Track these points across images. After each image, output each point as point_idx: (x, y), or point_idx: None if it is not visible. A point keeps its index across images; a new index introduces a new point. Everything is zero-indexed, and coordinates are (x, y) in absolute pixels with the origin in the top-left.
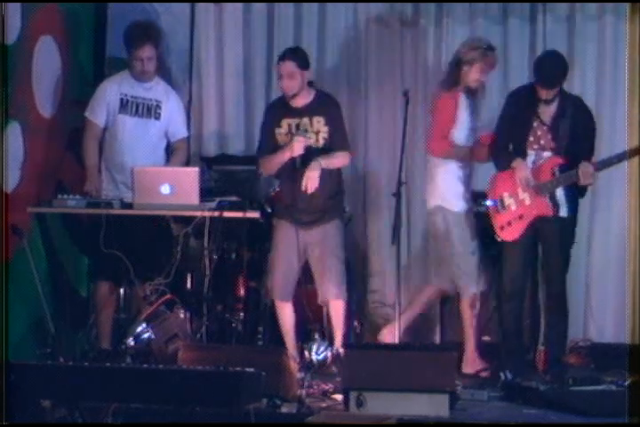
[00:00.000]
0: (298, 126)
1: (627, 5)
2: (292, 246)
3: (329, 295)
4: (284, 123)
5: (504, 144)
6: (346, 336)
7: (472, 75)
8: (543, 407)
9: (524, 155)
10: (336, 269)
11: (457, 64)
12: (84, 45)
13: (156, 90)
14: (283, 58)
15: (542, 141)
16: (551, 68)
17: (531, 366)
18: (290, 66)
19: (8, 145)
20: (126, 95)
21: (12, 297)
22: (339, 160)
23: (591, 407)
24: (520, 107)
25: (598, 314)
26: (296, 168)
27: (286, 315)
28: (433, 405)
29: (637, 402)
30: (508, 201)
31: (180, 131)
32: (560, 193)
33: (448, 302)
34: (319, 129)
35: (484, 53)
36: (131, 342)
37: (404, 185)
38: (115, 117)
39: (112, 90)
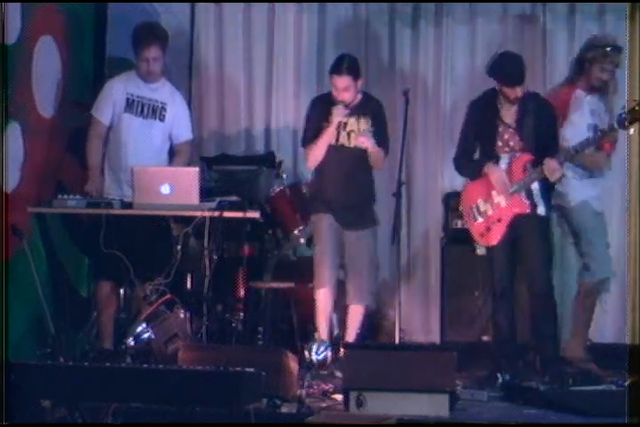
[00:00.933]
0: (345, 125)
1: (627, 5)
2: (336, 239)
3: (352, 300)
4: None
5: (468, 154)
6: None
7: (593, 73)
8: (543, 407)
9: (496, 159)
10: (367, 274)
11: (579, 62)
12: (85, 45)
13: (162, 91)
14: (339, 72)
15: (512, 143)
16: (512, 64)
17: (530, 366)
18: (347, 80)
19: (8, 145)
20: (132, 95)
21: (12, 297)
22: (380, 156)
23: (591, 407)
24: (482, 114)
25: (598, 314)
26: (336, 159)
27: (329, 301)
28: (433, 405)
29: (637, 402)
30: (484, 207)
31: (183, 134)
32: (537, 192)
33: (449, 301)
34: (365, 129)
35: (605, 53)
36: (131, 342)
37: (404, 185)
38: (120, 117)
39: (118, 89)
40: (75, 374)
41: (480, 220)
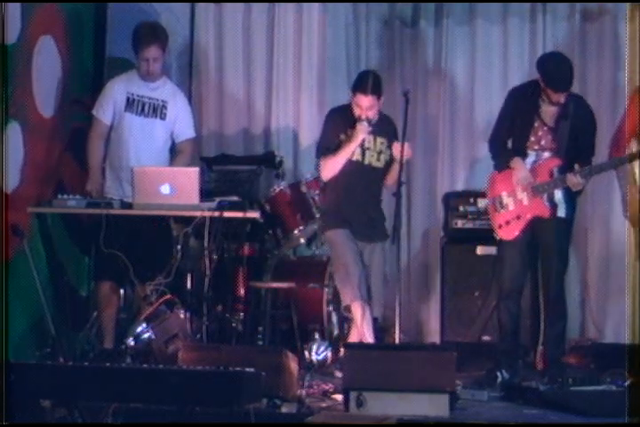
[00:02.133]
0: (362, 141)
1: (626, 5)
2: (357, 250)
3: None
4: (350, 133)
5: (503, 142)
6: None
7: None
8: (543, 407)
9: (524, 154)
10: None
11: None
12: (84, 45)
13: (163, 90)
14: (364, 91)
15: (543, 142)
16: (564, 69)
17: (531, 366)
18: (372, 100)
19: (8, 145)
20: (133, 94)
21: (12, 297)
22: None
23: (591, 407)
24: (522, 106)
25: (598, 314)
26: (354, 174)
27: (368, 313)
28: (433, 405)
29: (637, 402)
30: (507, 200)
31: (185, 132)
32: (559, 194)
33: (449, 301)
34: (382, 150)
35: None
36: (131, 342)
37: (404, 185)
38: (121, 116)
39: (119, 88)
40: (75, 374)
41: (501, 212)
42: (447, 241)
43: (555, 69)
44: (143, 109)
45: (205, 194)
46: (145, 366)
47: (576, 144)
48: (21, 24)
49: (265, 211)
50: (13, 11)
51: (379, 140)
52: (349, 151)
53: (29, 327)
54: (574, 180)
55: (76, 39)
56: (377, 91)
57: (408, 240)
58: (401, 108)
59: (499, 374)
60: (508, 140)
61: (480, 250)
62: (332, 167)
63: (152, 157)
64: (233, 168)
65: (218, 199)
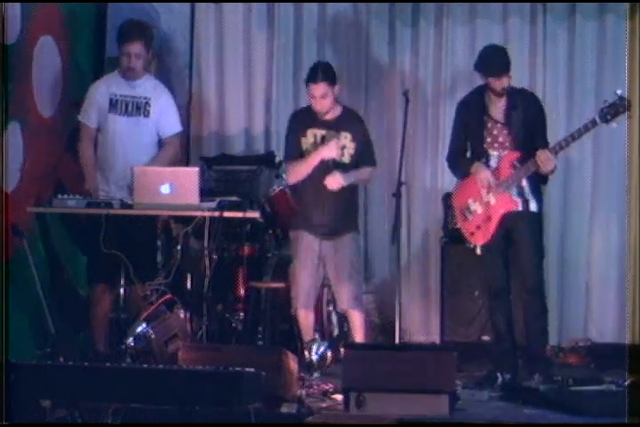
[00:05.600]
0: (323, 138)
1: (627, 5)
2: (312, 256)
3: (345, 305)
4: (310, 133)
5: (459, 152)
6: None
7: None
8: (543, 407)
9: (486, 156)
10: (351, 280)
11: None
12: (84, 46)
13: (145, 87)
14: (315, 80)
15: (500, 138)
16: (495, 55)
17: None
18: (323, 87)
19: (8, 145)
20: (115, 95)
21: (12, 297)
22: (364, 176)
23: (591, 407)
24: (470, 111)
25: (598, 314)
26: (317, 180)
27: (309, 321)
28: (433, 405)
29: (637, 402)
30: (474, 206)
31: (171, 127)
32: (527, 189)
33: (449, 301)
34: (345, 144)
35: None
36: (131, 342)
37: (404, 185)
38: (105, 118)
39: (101, 90)
40: (75, 374)
41: (470, 219)
42: (447, 241)
43: (486, 56)
44: (127, 109)
45: (205, 194)
46: (145, 366)
47: (530, 136)
48: (21, 24)
49: (265, 211)
50: (13, 11)
51: (342, 134)
52: (312, 163)
53: (29, 327)
54: (545, 154)
55: (75, 39)
56: (327, 78)
57: (408, 240)
58: (401, 108)
59: (499, 375)
60: (466, 152)
61: (480, 250)
62: (296, 174)
63: (140, 155)
64: (233, 168)
65: (218, 199)
